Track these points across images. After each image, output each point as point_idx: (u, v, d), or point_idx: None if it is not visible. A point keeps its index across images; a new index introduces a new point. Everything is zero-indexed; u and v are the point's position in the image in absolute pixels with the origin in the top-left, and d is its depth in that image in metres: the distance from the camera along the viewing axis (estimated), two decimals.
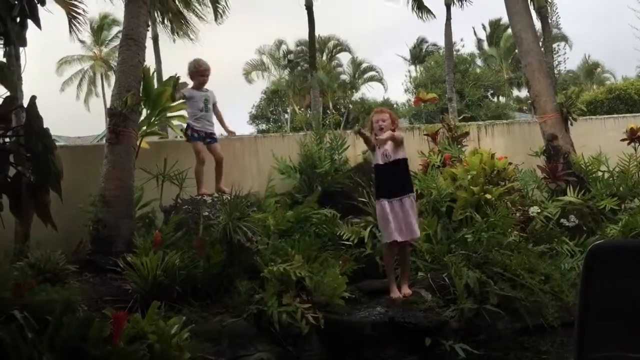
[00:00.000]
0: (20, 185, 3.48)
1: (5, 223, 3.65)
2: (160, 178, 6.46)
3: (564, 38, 31.05)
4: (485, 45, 37.65)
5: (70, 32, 8.91)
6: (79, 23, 8.80)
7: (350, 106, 39.79)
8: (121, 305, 4.52)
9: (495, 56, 36.05)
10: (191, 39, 14.71)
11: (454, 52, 22.92)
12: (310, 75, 17.00)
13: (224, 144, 6.99)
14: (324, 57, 37.86)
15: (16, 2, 3.67)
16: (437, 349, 4.64)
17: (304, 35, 17.68)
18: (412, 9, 15.78)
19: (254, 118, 43.05)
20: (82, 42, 32.13)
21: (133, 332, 3.61)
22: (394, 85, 72.39)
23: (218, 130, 6.88)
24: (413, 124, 27.23)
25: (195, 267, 4.91)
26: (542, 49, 10.14)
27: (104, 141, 6.35)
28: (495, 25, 35.96)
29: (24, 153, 3.55)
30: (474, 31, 38.39)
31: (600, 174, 7.63)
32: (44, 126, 3.51)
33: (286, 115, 41.93)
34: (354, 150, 8.01)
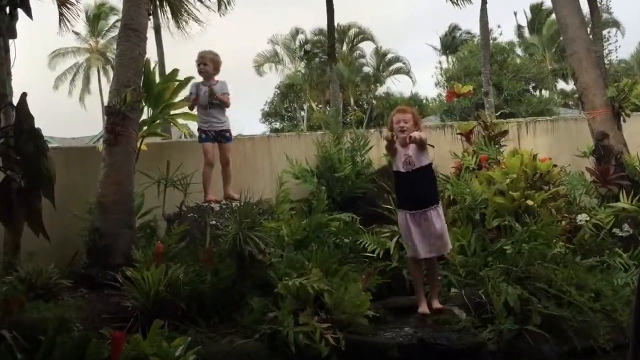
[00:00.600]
0: (10, 190, 3.53)
1: None
2: (162, 183, 6.50)
3: (616, 24, 30.75)
4: (526, 33, 37.44)
5: (60, 22, 9.00)
6: (71, 12, 8.90)
7: (374, 102, 39.77)
8: (120, 324, 4.55)
9: (537, 45, 35.78)
10: (199, 25, 14.74)
11: (491, 41, 22.80)
12: (329, 67, 17.02)
13: (233, 144, 7.01)
14: (345, 48, 37.92)
15: None
16: None
17: (322, 23, 17.72)
18: None
19: (267, 116, 43.16)
20: (76, 33, 32.56)
21: (133, 354, 3.64)
22: (423, 78, 72.01)
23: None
24: (445, 121, 27.17)
25: (201, 281, 4.94)
26: (591, 36, 10.04)
27: (100, 142, 6.42)
28: (537, 10, 35.72)
29: (13, 155, 3.60)
30: (515, 16, 38.23)
31: None
32: (35, 126, 3.55)
33: (302, 113, 42.02)
34: (378, 152, 7.99)
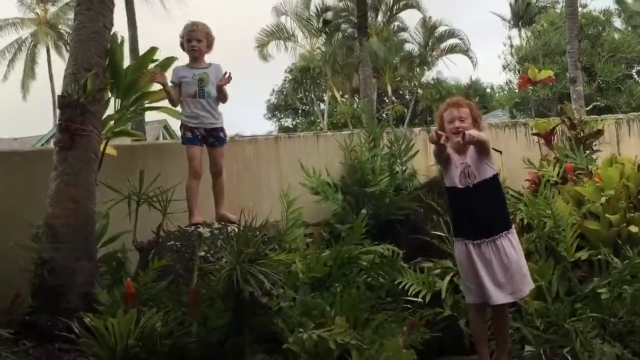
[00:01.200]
0: None
1: None
2: (134, 199, 6.50)
3: None
4: None
5: None
6: None
7: (420, 91, 39.85)
8: None
9: None
10: None
11: (580, 8, 22.75)
12: (360, 44, 17.11)
13: (229, 148, 7.04)
14: (380, 17, 38.11)
15: None
16: None
17: None
18: None
19: (274, 109, 43.34)
20: None
21: None
22: (487, 59, 72.08)
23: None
24: (516, 117, 27.09)
25: (185, 333, 4.95)
26: None
27: (51, 145, 6.49)
28: None
29: None
30: None
31: None
32: None
33: (322, 105, 42.14)
34: (425, 159, 8.01)
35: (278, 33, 37.74)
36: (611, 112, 22.72)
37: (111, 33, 6.61)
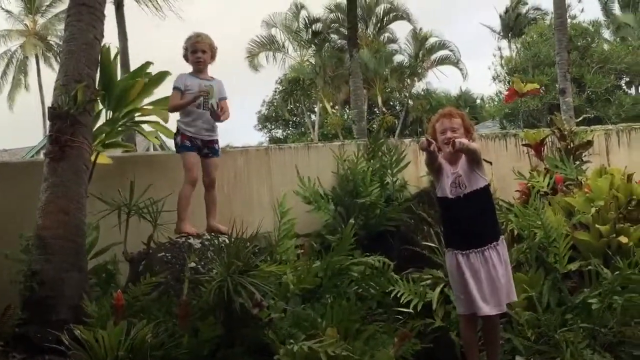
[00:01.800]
0: None
1: None
2: (124, 211, 6.50)
3: None
4: (617, 9, 37.50)
5: None
6: None
7: (410, 102, 39.90)
8: None
9: (632, 25, 35.78)
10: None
11: (569, 20, 22.86)
12: (350, 55, 17.13)
13: (220, 159, 7.03)
14: (370, 29, 38.18)
15: None
16: None
17: None
18: None
19: (265, 120, 43.38)
20: (6, 11, 32.79)
21: None
22: (477, 70, 72.36)
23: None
24: (506, 128, 27.21)
25: (176, 345, 4.94)
26: None
27: (41, 156, 6.47)
28: None
29: None
30: None
31: None
32: None
33: (313, 117, 42.19)
34: (415, 170, 8.03)
35: (268, 44, 37.82)
36: (601, 123, 22.82)
37: (102, 44, 6.61)
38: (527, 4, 39.58)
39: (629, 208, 6.74)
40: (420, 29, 38.31)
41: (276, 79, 41.77)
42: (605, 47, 32.23)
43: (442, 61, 38.55)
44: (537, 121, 25.60)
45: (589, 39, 30.57)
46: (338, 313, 5.29)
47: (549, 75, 25.92)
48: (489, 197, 5.27)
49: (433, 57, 38.72)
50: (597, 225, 6.47)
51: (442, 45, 38.42)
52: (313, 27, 37.57)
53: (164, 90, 7.07)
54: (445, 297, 5.85)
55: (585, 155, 8.33)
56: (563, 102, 16.21)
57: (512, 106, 25.27)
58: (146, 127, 7.43)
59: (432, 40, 38.50)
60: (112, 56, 6.82)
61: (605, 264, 6.22)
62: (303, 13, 37.55)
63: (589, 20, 34.41)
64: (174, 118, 6.88)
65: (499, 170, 7.59)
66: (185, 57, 6.79)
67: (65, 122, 6.13)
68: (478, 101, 43.26)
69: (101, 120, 6.83)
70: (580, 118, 15.03)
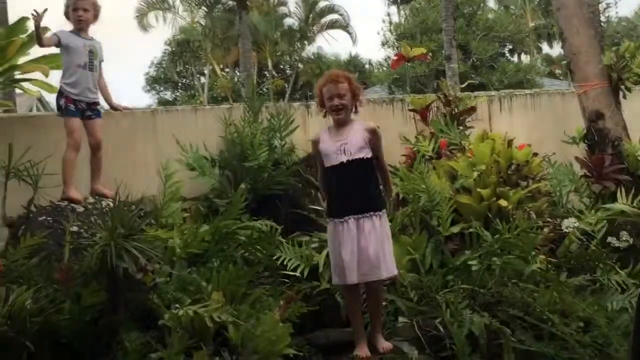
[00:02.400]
0: None
1: None
2: (2, 174, 6.32)
3: None
4: None
5: None
6: None
7: (300, 66, 39.90)
8: None
9: None
10: None
11: None
12: (239, 17, 16.98)
13: (104, 121, 6.88)
14: None
15: None
16: None
17: None
18: None
19: (153, 82, 42.61)
20: None
21: None
22: (367, 35, 72.78)
23: None
24: (394, 93, 27.53)
25: (57, 311, 4.82)
26: None
27: None
28: None
29: None
30: None
31: None
32: None
33: (202, 79, 41.71)
34: (304, 133, 8.03)
35: (158, 3, 37.04)
36: (485, 89, 23.36)
37: None
38: None
39: (508, 172, 6.91)
40: None
41: (165, 40, 41.13)
42: (490, 15, 32.94)
43: (332, 25, 38.62)
44: (424, 87, 25.99)
45: (475, 7, 31.15)
46: (224, 277, 5.26)
47: (436, 42, 26.31)
48: (374, 168, 5.22)
49: (323, 20, 38.77)
50: (478, 189, 6.62)
51: (331, 10, 38.44)
52: None
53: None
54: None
55: (469, 121, 8.50)
56: (449, 68, 16.54)
57: (400, 71, 25.54)
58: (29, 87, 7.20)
59: (321, 4, 38.53)
60: None
61: (485, 226, 6.37)
62: None
63: None
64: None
65: (386, 135, 7.65)
66: (67, 14, 6.57)
67: None
68: (367, 66, 43.64)
69: None
70: (465, 84, 15.34)
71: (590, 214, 6.97)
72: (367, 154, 5.11)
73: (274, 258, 6.02)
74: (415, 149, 7.90)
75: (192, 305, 4.79)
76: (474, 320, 5.20)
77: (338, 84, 5.15)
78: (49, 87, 7.16)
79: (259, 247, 6.10)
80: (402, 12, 37.23)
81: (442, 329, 5.25)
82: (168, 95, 44.37)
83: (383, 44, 34.86)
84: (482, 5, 32.19)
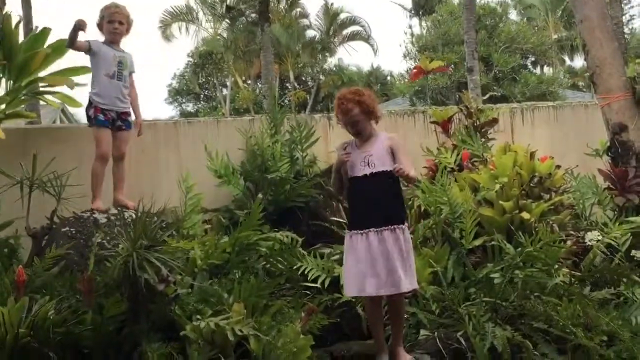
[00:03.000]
0: None
1: None
2: (27, 185, 6.35)
3: None
4: None
5: None
6: None
7: (322, 77, 39.95)
8: None
9: (538, 6, 36.58)
10: None
11: (477, 0, 23.19)
12: (261, 30, 17.03)
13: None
14: (282, 4, 37.96)
15: None
16: None
17: None
18: None
19: (176, 94, 42.83)
20: None
21: None
22: (388, 47, 72.86)
23: None
24: (416, 105, 27.52)
25: (80, 322, 4.84)
26: None
27: None
28: None
29: None
30: None
31: None
32: None
33: (224, 91, 41.85)
34: (325, 145, 8.03)
35: (182, 15, 37.25)
36: (507, 101, 23.29)
37: (4, 12, 6.40)
38: None
39: (531, 185, 6.86)
40: (332, 4, 38.42)
41: (188, 52, 41.37)
42: (513, 27, 32.84)
43: (353, 37, 38.72)
44: (446, 99, 25.99)
45: (497, 19, 31.09)
46: (245, 289, 5.27)
47: (458, 53, 26.28)
48: (397, 182, 5.18)
49: (344, 32, 38.86)
50: (500, 202, 6.58)
51: (353, 21, 38.56)
52: (227, 0, 37.18)
53: (67, 61, 6.91)
54: None
55: (490, 133, 8.46)
56: (470, 80, 16.46)
57: (421, 83, 25.51)
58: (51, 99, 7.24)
59: (343, 15, 38.64)
60: (14, 25, 6.59)
61: (508, 239, 6.33)
62: None
63: (497, 1, 34.99)
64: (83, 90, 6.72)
65: (407, 148, 7.66)
66: (100, 25, 6.60)
67: None
68: (388, 78, 43.65)
69: (2, 91, 6.62)
70: (487, 96, 15.32)
71: (614, 227, 6.91)
72: (390, 166, 5.09)
73: (295, 268, 6.01)
74: (437, 161, 7.87)
75: (213, 317, 4.78)
76: (497, 333, 5.17)
77: (349, 113, 5.08)
78: (72, 102, 7.20)
79: (280, 258, 6.09)
80: (423, 24, 37.24)
81: (464, 342, 5.22)
82: (190, 107, 44.57)
83: (405, 56, 34.87)
84: (504, 17, 32.14)
